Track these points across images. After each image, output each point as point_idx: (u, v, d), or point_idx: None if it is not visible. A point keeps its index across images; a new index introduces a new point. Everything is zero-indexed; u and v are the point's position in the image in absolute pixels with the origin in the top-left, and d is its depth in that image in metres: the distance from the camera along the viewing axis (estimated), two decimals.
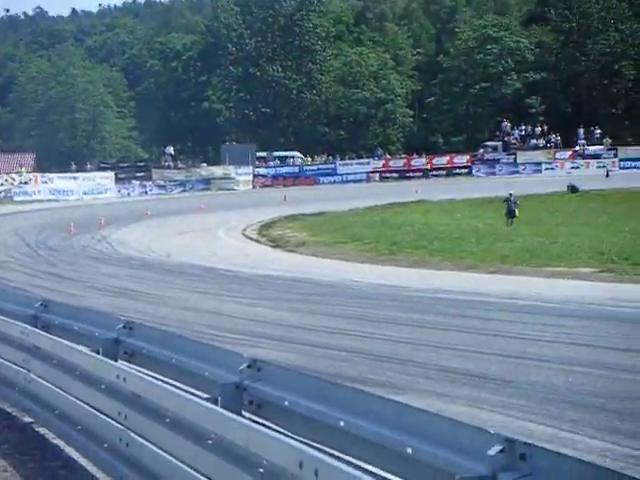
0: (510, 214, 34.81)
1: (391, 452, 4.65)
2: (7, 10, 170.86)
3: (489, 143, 78.32)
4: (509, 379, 10.82)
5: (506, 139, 78.41)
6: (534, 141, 77.62)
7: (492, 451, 3.91)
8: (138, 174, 75.36)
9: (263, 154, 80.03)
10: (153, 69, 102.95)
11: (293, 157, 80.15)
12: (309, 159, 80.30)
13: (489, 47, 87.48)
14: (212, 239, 36.57)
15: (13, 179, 70.85)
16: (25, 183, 70.61)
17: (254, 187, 75.01)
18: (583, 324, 14.76)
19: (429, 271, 24.19)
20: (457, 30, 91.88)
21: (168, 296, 20.49)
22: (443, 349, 12.87)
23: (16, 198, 67.95)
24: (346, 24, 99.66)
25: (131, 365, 7.61)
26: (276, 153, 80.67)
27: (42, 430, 8.90)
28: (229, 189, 73.13)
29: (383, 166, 77.54)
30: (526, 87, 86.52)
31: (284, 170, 78.15)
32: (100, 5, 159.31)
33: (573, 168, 70.72)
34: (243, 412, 6.00)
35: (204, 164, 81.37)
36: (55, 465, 8.13)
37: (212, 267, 26.69)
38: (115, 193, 71.95)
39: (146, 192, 72.79)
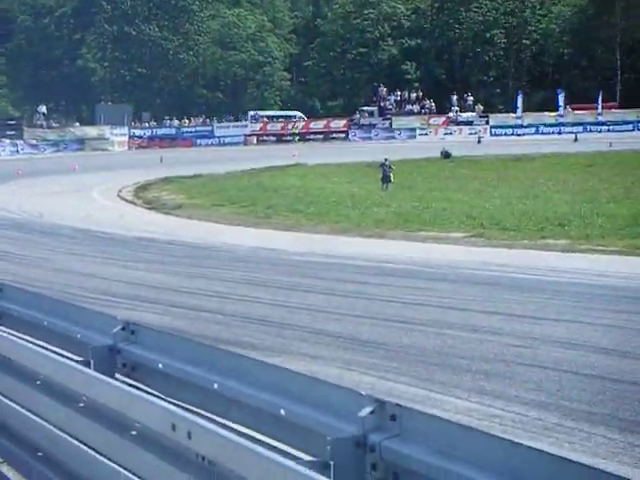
0: (385, 179, 35.24)
1: (265, 414, 4.71)
2: None
3: (365, 108, 78.91)
4: (381, 342, 11.01)
5: (382, 104, 79.11)
6: (409, 107, 78.53)
7: (363, 412, 4.00)
8: (9, 132, 73.39)
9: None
10: (24, 24, 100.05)
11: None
12: (186, 121, 79.50)
13: (366, 12, 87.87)
14: (86, 200, 35.98)
15: None
16: None
17: (130, 148, 73.96)
18: (454, 288, 15.10)
19: (305, 235, 24.36)
20: None
21: (40, 257, 20.12)
22: (317, 312, 12.99)
23: None
24: None
25: (1, 327, 7.47)
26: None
27: None
28: (104, 150, 71.96)
29: (260, 129, 77.35)
30: (402, 53, 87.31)
31: (160, 132, 77.27)
32: None
33: (446, 134, 71.92)
34: (116, 375, 5.97)
35: (78, 124, 79.80)
36: None
37: (86, 229, 26.28)
38: None
39: (17, 151, 70.96)
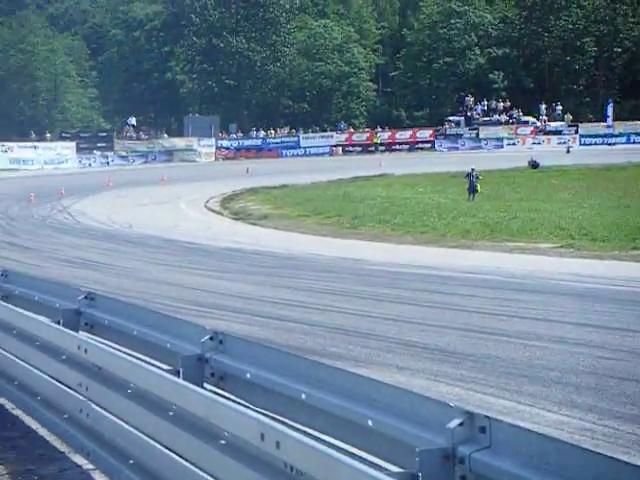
0: (472, 189, 34.99)
1: (352, 425, 4.69)
2: None
3: (452, 118, 78.50)
4: (469, 353, 10.90)
5: (469, 114, 78.62)
6: (496, 116, 77.89)
7: (452, 424, 3.97)
8: (100, 144, 74.76)
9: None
10: (116, 38, 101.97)
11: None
12: (272, 132, 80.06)
13: (453, 22, 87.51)
14: (174, 211, 36.44)
15: None
16: None
17: (217, 159, 74.71)
18: (542, 299, 14.89)
19: (391, 245, 24.30)
20: (421, 4, 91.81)
21: (130, 267, 20.42)
22: (404, 323, 12.94)
23: None
24: None
25: (92, 336, 7.59)
26: None
27: (1, 400, 8.86)
28: (191, 161, 72.80)
29: (346, 140, 77.49)
30: (489, 62, 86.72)
31: (247, 143, 77.89)
32: None
33: (534, 144, 71.12)
34: (205, 384, 6.02)
35: (166, 135, 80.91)
36: (14, 435, 8.10)
37: (174, 239, 26.60)
38: (76, 163, 71.33)
39: (108, 163, 72.25)
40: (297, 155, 75.17)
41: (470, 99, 80.00)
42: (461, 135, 75.70)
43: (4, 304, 8.88)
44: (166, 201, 40.23)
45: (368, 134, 78.16)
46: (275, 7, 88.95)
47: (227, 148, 77.00)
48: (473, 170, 35.59)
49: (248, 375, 5.72)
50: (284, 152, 76.04)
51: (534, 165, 49.27)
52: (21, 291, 9.55)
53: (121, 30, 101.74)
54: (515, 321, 12.89)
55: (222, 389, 5.98)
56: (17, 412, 8.39)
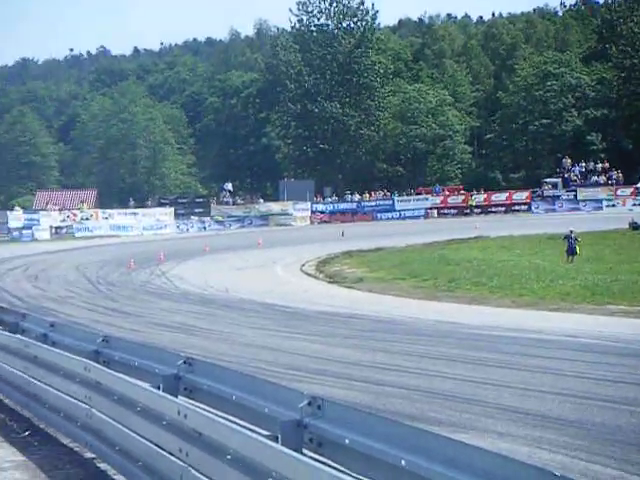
0: (571, 251, 34.46)
1: None
2: (71, 49, 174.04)
3: (549, 180, 77.78)
4: (572, 419, 10.64)
5: (566, 176, 77.82)
6: (595, 178, 76.93)
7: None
8: (197, 210, 76.03)
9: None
10: (213, 106, 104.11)
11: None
12: (367, 195, 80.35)
13: (549, 83, 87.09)
14: (270, 275, 36.66)
15: (75, 215, 71.88)
16: (86, 219, 71.60)
17: (312, 223, 75.23)
18: None
19: (488, 308, 24.00)
20: (516, 67, 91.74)
21: (226, 332, 20.54)
22: (504, 387, 12.71)
23: (77, 234, 68.89)
24: (404, 61, 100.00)
25: (191, 401, 7.62)
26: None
27: (103, 466, 8.93)
28: (287, 225, 73.45)
29: (441, 202, 77.33)
30: (586, 123, 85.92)
31: (342, 206, 78.29)
32: (162, 44, 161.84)
33: (635, 205, 69.93)
34: (304, 450, 5.98)
35: (262, 200, 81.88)
36: None
37: (270, 303, 26.72)
38: (174, 229, 72.59)
39: (205, 228, 73.34)
40: (392, 218, 75.23)
41: (567, 161, 79.23)
42: (558, 197, 74.90)
43: (106, 370, 8.99)
44: (262, 265, 40.53)
45: (463, 196, 77.88)
46: (369, 72, 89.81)
47: (322, 212, 77.50)
48: (572, 232, 35.08)
49: (347, 441, 5.66)
50: (379, 215, 76.20)
51: (635, 226, 48.37)
52: (121, 356, 9.67)
53: (218, 98, 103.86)
54: (620, 386, 12.55)
55: (321, 455, 5.92)
56: (119, 477, 8.44)
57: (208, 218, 75.00)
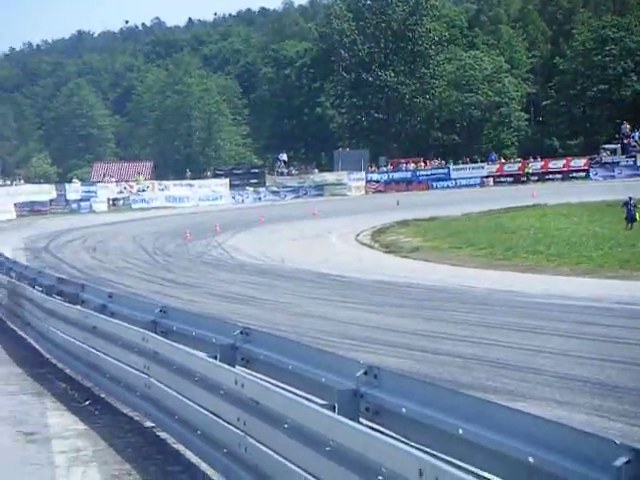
0: (630, 218, 34.01)
1: (512, 461, 4.57)
2: (126, 22, 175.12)
3: (607, 146, 76.66)
4: (631, 387, 10.55)
5: (625, 142, 76.65)
6: None
7: (618, 462, 3.82)
8: (252, 181, 76.19)
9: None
10: (267, 76, 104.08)
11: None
12: (422, 164, 79.94)
13: (608, 48, 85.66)
14: (325, 245, 36.70)
15: (131, 187, 72.48)
16: (143, 191, 72.14)
17: (367, 193, 75.06)
18: None
19: (546, 276, 23.81)
20: (574, 31, 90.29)
21: (282, 302, 20.62)
22: (561, 356, 12.62)
23: (134, 205, 69.47)
24: (460, 28, 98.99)
25: (248, 371, 7.67)
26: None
27: (163, 434, 9.04)
28: (342, 195, 73.36)
29: (497, 170, 76.66)
30: None
31: (397, 175, 77.99)
32: (215, 14, 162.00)
33: None
34: (360, 419, 5.99)
35: (316, 170, 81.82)
36: (176, 469, 8.24)
37: (325, 273, 26.76)
38: (229, 200, 72.87)
39: (260, 198, 73.53)
40: (447, 187, 74.77)
41: (627, 126, 77.97)
42: (617, 163, 73.79)
43: (164, 340, 9.08)
44: (317, 235, 40.58)
45: (520, 164, 77.12)
46: (424, 40, 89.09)
47: (377, 181, 77.26)
48: (631, 199, 34.61)
49: (403, 410, 5.65)
50: (434, 184, 75.77)
51: None
52: (179, 327, 9.75)
53: (272, 68, 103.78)
54: None
55: (377, 424, 5.93)
56: (178, 447, 8.54)
57: (263, 189, 75.15)
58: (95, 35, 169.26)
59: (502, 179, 75.22)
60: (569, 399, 10.11)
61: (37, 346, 14.87)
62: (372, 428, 5.56)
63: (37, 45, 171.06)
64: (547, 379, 11.18)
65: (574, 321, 15.95)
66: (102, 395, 11.12)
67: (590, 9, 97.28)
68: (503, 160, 79.76)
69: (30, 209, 66.31)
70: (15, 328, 16.99)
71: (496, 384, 10.94)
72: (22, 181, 75.58)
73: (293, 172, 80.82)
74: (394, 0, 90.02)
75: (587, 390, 10.51)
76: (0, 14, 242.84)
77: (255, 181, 76.15)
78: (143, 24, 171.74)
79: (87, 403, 10.91)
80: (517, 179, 74.52)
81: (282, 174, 79.79)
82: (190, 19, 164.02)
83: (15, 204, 65.44)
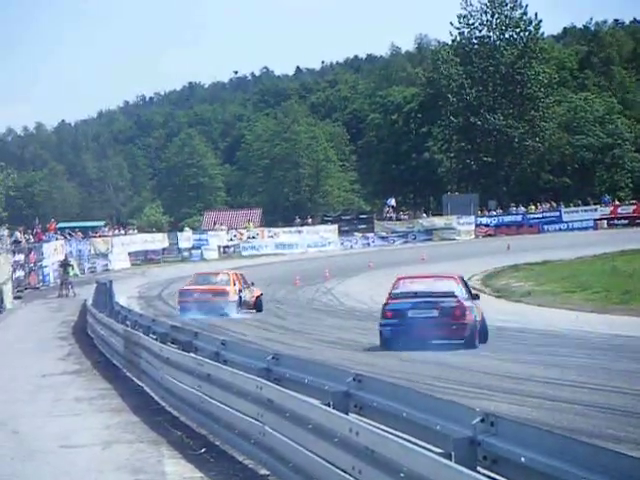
0: None
1: None
2: (236, 72, 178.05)
3: None
4: None
5: None
6: None
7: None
8: (360, 226, 76.31)
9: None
10: (374, 122, 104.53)
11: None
12: (532, 207, 78.98)
13: None
14: None
15: (242, 234, 73.32)
16: (252, 238, 72.90)
17: (476, 237, 74.45)
18: None
19: None
20: None
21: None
22: None
23: (244, 252, 70.19)
24: (570, 70, 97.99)
25: (362, 418, 7.61)
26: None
27: None
28: (451, 239, 72.91)
29: (611, 212, 75.22)
30: None
31: (507, 219, 77.19)
32: (322, 62, 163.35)
33: None
34: (478, 468, 5.87)
35: (425, 215, 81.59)
36: None
37: None
38: (338, 245, 73.06)
39: (368, 244, 73.55)
40: (559, 230, 73.68)
41: None
42: None
43: (278, 387, 9.09)
44: None
45: (635, 206, 75.52)
46: (533, 83, 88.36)
47: (487, 225, 76.58)
48: None
49: (523, 459, 5.52)
50: (545, 227, 74.75)
51: None
52: (292, 374, 9.75)
53: (379, 114, 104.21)
54: None
55: (496, 473, 5.81)
56: None
57: (372, 234, 75.18)
58: (205, 86, 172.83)
59: (616, 221, 73.77)
60: None
61: (153, 394, 15.04)
62: (490, 477, 5.45)
63: (150, 97, 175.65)
64: None
65: None
66: (217, 443, 11.16)
67: None
68: (617, 202, 78.25)
69: (144, 258, 67.52)
70: (132, 377, 17.22)
71: (618, 433, 10.60)
72: (135, 230, 77.16)
73: (402, 217, 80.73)
74: (502, 44, 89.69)
75: None
76: (115, 68, 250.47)
77: (363, 226, 76.23)
78: (252, 74, 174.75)
79: (203, 451, 10.96)
80: (632, 221, 72.94)
81: (390, 219, 79.75)
82: (298, 67, 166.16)
83: (129, 253, 66.71)
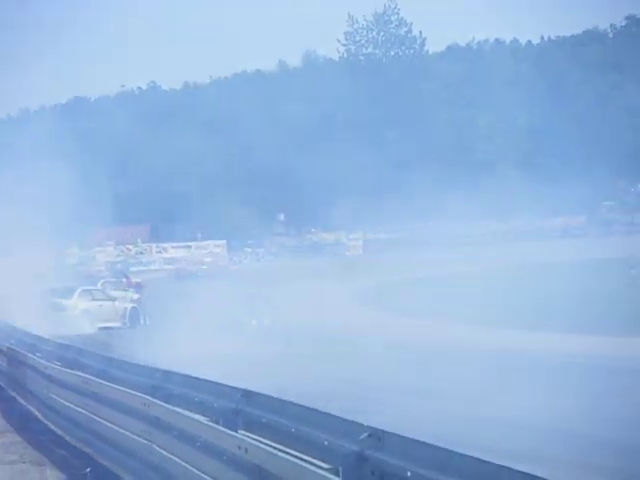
0: None
1: None
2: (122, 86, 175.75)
3: None
4: None
5: None
6: None
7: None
8: (250, 241, 75.63)
9: None
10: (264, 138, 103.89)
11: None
12: None
13: None
14: None
15: (129, 249, 72.19)
16: (141, 253, 71.79)
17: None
18: None
19: None
20: None
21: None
22: None
23: (132, 268, 69.17)
24: (455, 87, 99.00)
25: (251, 435, 7.59)
26: None
27: None
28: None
29: None
30: None
31: None
32: (211, 77, 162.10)
33: None
34: None
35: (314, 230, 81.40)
36: None
37: None
38: (227, 261, 72.30)
39: (258, 260, 73.09)
40: None
41: None
42: None
43: (164, 405, 8.99)
44: None
45: None
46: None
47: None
48: None
49: (409, 473, 5.58)
50: None
51: None
52: (181, 391, 9.66)
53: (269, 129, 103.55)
54: None
55: None
56: None
57: (261, 249, 74.45)
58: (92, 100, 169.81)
59: None
60: None
61: (37, 413, 14.74)
62: None
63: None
64: None
65: None
66: (104, 462, 10.98)
67: None
68: None
69: None
70: (17, 396, 16.80)
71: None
72: None
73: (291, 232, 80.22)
74: (387, 61, 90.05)
75: None
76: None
77: (252, 242, 75.61)
78: (139, 88, 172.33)
79: (88, 471, 10.80)
80: None
81: (280, 234, 79.37)
82: (186, 82, 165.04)
83: None
